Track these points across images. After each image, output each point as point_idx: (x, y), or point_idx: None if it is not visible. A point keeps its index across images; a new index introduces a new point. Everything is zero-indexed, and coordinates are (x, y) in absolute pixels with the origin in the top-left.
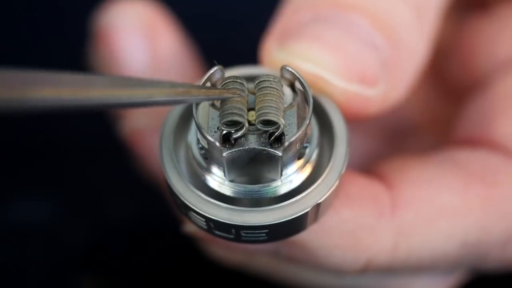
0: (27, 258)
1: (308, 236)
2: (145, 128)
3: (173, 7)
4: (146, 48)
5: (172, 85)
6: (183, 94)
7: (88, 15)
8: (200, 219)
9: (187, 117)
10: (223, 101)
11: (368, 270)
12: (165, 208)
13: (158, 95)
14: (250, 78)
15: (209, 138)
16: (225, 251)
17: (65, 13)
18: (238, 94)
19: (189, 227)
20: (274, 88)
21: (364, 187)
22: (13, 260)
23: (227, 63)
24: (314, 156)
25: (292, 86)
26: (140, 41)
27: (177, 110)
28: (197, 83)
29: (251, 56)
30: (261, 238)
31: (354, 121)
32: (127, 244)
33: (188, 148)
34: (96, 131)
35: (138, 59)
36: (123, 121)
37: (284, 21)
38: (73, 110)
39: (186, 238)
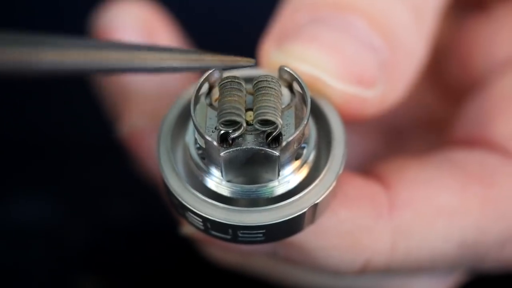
0: (26, 258)
1: (306, 237)
2: (143, 129)
3: (171, 8)
4: None
5: (185, 51)
6: (196, 61)
7: (87, 15)
8: (197, 219)
9: (184, 117)
10: (221, 101)
11: (367, 271)
12: (164, 208)
13: (171, 60)
14: (248, 79)
15: (207, 137)
16: (223, 253)
17: (64, 14)
18: (253, 63)
19: (187, 229)
20: (272, 88)
21: (362, 188)
22: (12, 260)
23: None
24: (312, 157)
25: (290, 87)
26: (138, 41)
27: (174, 110)
28: (194, 84)
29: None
30: (258, 239)
31: (352, 122)
32: (126, 244)
33: (185, 148)
34: (96, 131)
35: None
36: (121, 122)
37: (282, 22)
38: (84, 72)
39: (186, 239)
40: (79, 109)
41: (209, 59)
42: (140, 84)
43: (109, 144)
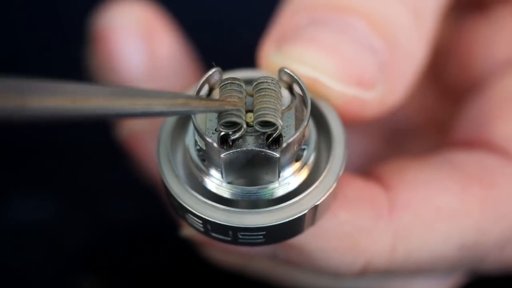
0: (26, 258)
1: (306, 239)
2: (143, 131)
3: (171, 9)
4: (143, 49)
5: (172, 95)
6: (182, 105)
7: (86, 16)
8: (197, 221)
9: (185, 119)
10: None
11: (367, 272)
12: (164, 209)
13: (158, 105)
14: (248, 82)
15: (207, 139)
16: (223, 254)
17: (63, 15)
18: (238, 106)
19: (187, 231)
20: (272, 89)
21: (362, 189)
22: (12, 260)
23: (225, 66)
24: (312, 158)
25: (290, 89)
26: (138, 42)
27: None
28: (195, 85)
29: (250, 60)
30: (259, 241)
31: (352, 124)
32: (127, 245)
33: (185, 150)
34: (97, 132)
35: (136, 61)
36: (121, 124)
37: (281, 24)
38: (73, 119)
39: (186, 240)
40: None
41: (195, 104)
42: (141, 86)
43: (110, 145)
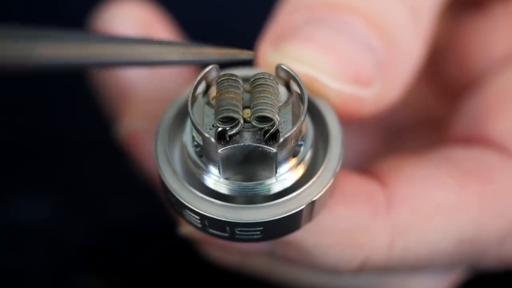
0: (26, 258)
1: (303, 235)
2: (141, 130)
3: (170, 9)
4: None
5: (184, 45)
6: (195, 54)
7: (85, 16)
8: (194, 217)
9: (182, 116)
10: (218, 98)
11: (365, 269)
12: (163, 208)
13: (170, 54)
14: (246, 79)
15: (205, 134)
16: (222, 252)
17: (62, 15)
18: (254, 55)
19: (185, 229)
20: (270, 85)
21: (359, 186)
22: (12, 260)
23: (223, 65)
24: (309, 155)
25: (287, 85)
26: None
27: (172, 110)
28: (192, 83)
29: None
30: (256, 237)
31: (349, 121)
32: (127, 245)
33: (183, 147)
34: (95, 131)
35: None
36: (120, 122)
37: (279, 23)
38: (85, 66)
39: (184, 238)
40: (79, 109)
41: (208, 52)
42: (139, 85)
43: (108, 144)
